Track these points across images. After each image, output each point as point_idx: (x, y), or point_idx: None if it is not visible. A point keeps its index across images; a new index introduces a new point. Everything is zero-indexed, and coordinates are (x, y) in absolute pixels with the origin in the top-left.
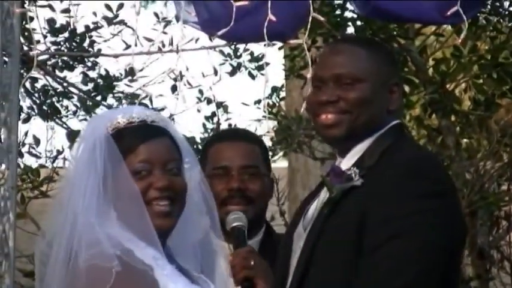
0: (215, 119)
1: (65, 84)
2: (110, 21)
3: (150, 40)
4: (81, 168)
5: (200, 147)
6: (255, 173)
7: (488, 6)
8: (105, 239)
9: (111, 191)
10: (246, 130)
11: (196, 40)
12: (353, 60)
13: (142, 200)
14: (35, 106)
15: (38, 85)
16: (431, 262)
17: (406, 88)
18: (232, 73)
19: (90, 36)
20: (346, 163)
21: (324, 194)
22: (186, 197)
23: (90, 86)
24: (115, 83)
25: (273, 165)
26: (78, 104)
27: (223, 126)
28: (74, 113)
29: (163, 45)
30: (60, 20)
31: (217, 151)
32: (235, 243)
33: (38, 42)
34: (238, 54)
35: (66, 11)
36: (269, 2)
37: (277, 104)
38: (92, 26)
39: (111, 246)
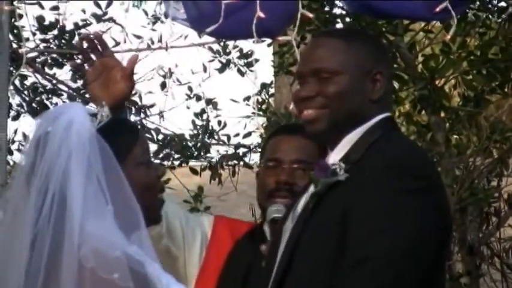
0: (204, 116)
1: (54, 81)
2: (99, 19)
3: (139, 37)
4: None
5: (189, 144)
6: (306, 169)
7: (477, 2)
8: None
9: (110, 188)
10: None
11: (186, 37)
12: (329, 54)
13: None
14: (24, 103)
15: (28, 82)
16: (412, 261)
17: (396, 84)
18: (221, 70)
19: (80, 34)
20: (333, 157)
21: (311, 189)
22: None
23: (80, 83)
24: None
25: None
26: (68, 101)
27: (213, 123)
28: None
29: (153, 42)
30: (49, 17)
31: (275, 143)
32: (271, 233)
33: (27, 39)
34: (228, 51)
35: (55, 8)
36: None
37: (266, 101)
38: (81, 23)
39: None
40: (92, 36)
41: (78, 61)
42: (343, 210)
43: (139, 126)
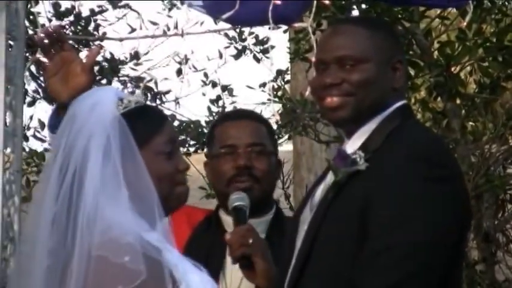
0: (220, 103)
1: None
2: (115, 5)
3: (155, 23)
4: (90, 152)
5: (205, 130)
6: (261, 151)
7: None
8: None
9: (127, 171)
10: (251, 110)
11: (201, 23)
12: (354, 41)
13: (170, 182)
14: (40, 90)
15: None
16: (437, 250)
17: (411, 71)
18: (237, 56)
19: (95, 20)
20: (351, 146)
21: (330, 178)
22: None
23: (95, 69)
24: (120, 67)
25: (278, 148)
26: None
27: (229, 109)
28: None
29: (168, 29)
30: (65, 3)
31: (224, 130)
32: (234, 222)
33: (43, 26)
34: (243, 37)
35: None
36: None
37: (282, 87)
38: (97, 10)
39: (124, 234)
40: (51, 30)
41: (38, 56)
42: (364, 201)
43: (168, 117)
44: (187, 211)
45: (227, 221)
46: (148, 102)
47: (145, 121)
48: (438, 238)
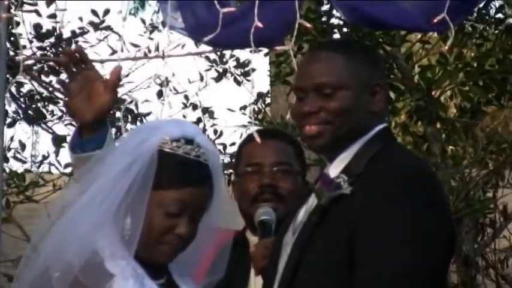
0: (201, 125)
1: (50, 89)
2: (96, 27)
3: (136, 46)
4: (114, 180)
5: None
6: (287, 170)
7: (475, 14)
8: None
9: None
10: (280, 130)
11: (183, 46)
12: (331, 69)
13: (158, 236)
14: (20, 111)
15: (24, 90)
16: (426, 276)
17: (392, 95)
18: (218, 79)
19: (76, 42)
20: (333, 170)
21: (312, 200)
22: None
23: None
24: None
25: (306, 169)
26: (64, 109)
27: (209, 132)
28: (60, 117)
29: (149, 51)
30: (47, 25)
31: (250, 150)
32: (260, 235)
33: (24, 47)
34: (224, 60)
35: (53, 16)
36: (256, 9)
37: (262, 110)
38: (78, 32)
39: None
40: (73, 50)
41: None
42: (351, 227)
43: (198, 186)
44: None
45: (253, 241)
46: (129, 125)
47: (171, 171)
48: (429, 263)
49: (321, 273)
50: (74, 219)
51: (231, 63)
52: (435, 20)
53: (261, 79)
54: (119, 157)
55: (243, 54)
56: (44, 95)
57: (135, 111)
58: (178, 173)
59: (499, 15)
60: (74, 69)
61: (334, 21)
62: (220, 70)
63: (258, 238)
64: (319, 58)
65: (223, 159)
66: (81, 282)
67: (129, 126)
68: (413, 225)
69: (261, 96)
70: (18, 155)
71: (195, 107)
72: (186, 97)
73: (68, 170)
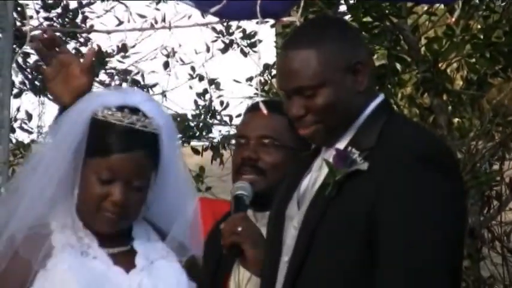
0: (207, 96)
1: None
2: None
3: (142, 16)
4: (55, 148)
5: (191, 123)
6: (271, 145)
7: None
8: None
9: (75, 178)
10: (278, 102)
11: (189, 17)
12: (306, 70)
13: (94, 204)
14: (26, 81)
15: (30, 60)
16: (454, 248)
17: (398, 66)
18: (224, 50)
19: (83, 12)
20: (341, 145)
21: (316, 173)
22: (140, 210)
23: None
24: (107, 59)
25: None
26: None
27: (215, 103)
28: None
29: (156, 22)
30: None
31: (243, 120)
32: (232, 211)
33: (31, 17)
34: (231, 31)
35: None
36: None
37: (269, 82)
38: (84, 2)
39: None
40: (44, 35)
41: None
42: (370, 204)
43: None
44: (210, 204)
45: (250, 216)
46: None
47: (100, 138)
48: (455, 237)
49: (341, 247)
50: (19, 191)
51: (238, 35)
52: None
53: (267, 50)
54: (60, 127)
55: (249, 25)
56: None
57: (142, 82)
58: (106, 139)
59: None
60: (48, 54)
61: None
62: (227, 41)
63: (231, 213)
64: (292, 60)
65: (228, 131)
66: (23, 256)
67: None
68: (439, 201)
69: (267, 67)
70: (24, 126)
71: (201, 78)
72: (193, 68)
73: None
